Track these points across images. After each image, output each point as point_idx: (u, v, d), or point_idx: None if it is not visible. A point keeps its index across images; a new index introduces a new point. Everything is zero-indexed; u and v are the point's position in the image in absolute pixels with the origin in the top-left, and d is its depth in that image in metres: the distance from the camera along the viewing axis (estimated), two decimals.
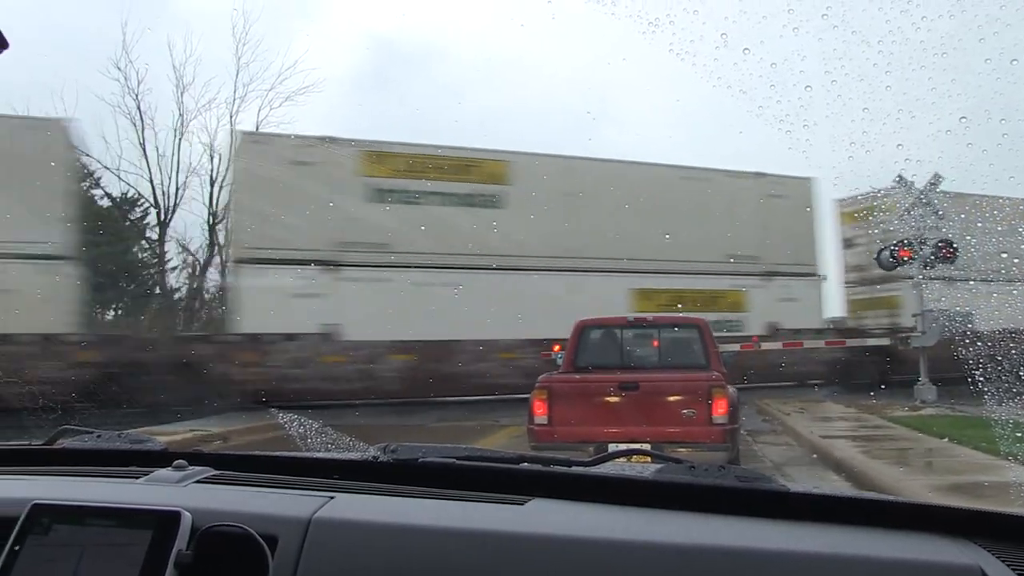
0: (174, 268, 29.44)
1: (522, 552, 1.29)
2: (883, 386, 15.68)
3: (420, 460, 1.64)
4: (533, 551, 1.29)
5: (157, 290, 29.19)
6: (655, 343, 8.98)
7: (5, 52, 0.73)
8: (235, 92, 29.87)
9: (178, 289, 29.54)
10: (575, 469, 1.65)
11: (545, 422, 7.62)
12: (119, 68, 28.76)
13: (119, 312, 28.88)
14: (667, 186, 20.30)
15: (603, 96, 42.66)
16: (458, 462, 1.63)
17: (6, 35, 0.73)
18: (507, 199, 19.06)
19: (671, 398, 7.69)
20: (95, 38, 36.45)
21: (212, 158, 28.74)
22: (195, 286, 29.16)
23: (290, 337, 17.08)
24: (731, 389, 7.77)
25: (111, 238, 26.57)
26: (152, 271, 29.89)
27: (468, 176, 18.99)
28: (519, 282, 18.09)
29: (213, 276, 29.12)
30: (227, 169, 19.85)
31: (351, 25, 45.98)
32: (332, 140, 18.23)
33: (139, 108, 28.35)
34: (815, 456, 10.16)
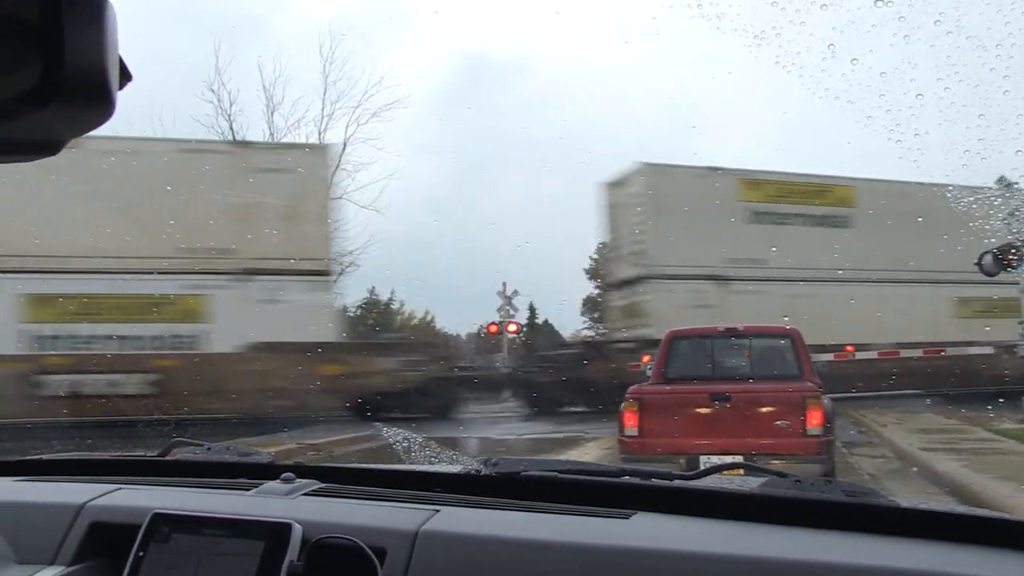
0: None
1: (630, 567, 1.29)
2: (1001, 400, 14.98)
3: (522, 473, 1.64)
4: (641, 566, 1.28)
5: None
6: (746, 353, 8.83)
7: (128, 85, 0.78)
8: (323, 110, 30.42)
9: None
10: (677, 483, 1.64)
11: (636, 434, 7.57)
12: (212, 91, 29.51)
13: None
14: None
15: (707, 109, 42.19)
16: (560, 475, 1.64)
17: (130, 68, 0.78)
18: None
19: (764, 409, 7.55)
20: (190, 63, 37.84)
21: None
22: None
23: None
24: (826, 400, 7.59)
25: None
26: None
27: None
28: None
29: None
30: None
31: (438, 41, 46.65)
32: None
33: (232, 128, 29.11)
34: (915, 469, 9.81)
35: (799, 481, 1.53)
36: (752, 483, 1.66)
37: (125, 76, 0.76)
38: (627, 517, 1.44)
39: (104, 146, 15.12)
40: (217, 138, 26.99)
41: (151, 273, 15.88)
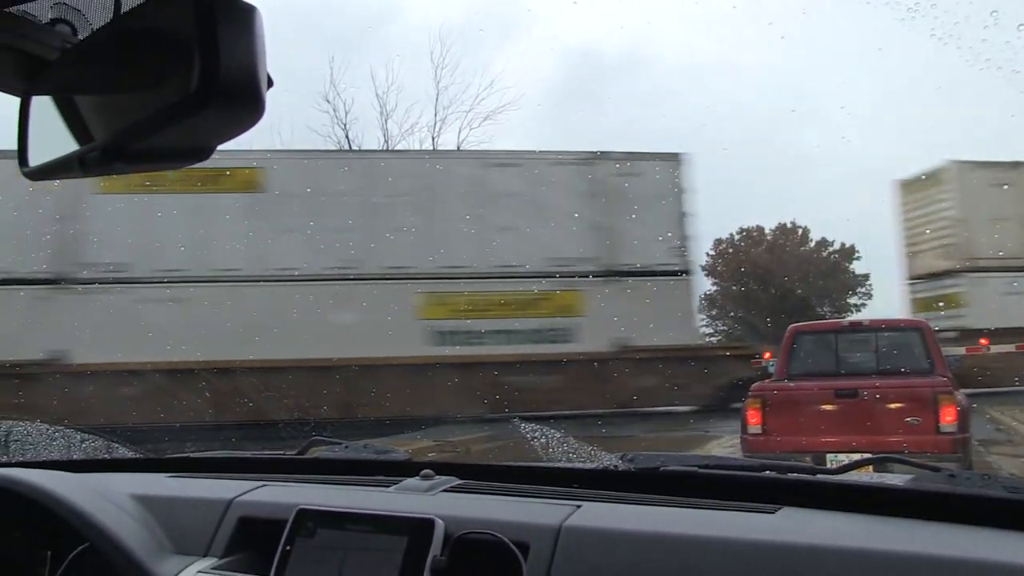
0: None
1: (780, 561, 1.26)
2: None
3: (661, 468, 1.63)
4: (792, 560, 1.25)
5: None
6: (872, 348, 8.54)
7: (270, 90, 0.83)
8: (435, 115, 30.93)
9: None
10: (821, 477, 1.60)
11: (759, 432, 7.42)
12: (328, 100, 30.42)
13: None
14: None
15: (856, 89, 40.32)
16: (700, 470, 1.62)
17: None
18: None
19: (893, 405, 7.27)
20: (306, 75, 38.94)
21: None
22: None
23: None
24: (960, 395, 7.27)
25: None
26: None
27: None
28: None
29: None
30: None
31: (547, 41, 46.31)
32: None
33: (347, 137, 29.85)
34: None
35: (953, 476, 1.46)
36: (892, 478, 1.61)
37: (268, 82, 0.82)
38: (773, 512, 1.41)
39: None
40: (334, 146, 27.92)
41: None
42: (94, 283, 16.20)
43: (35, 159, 0.97)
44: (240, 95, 0.76)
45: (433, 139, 29.66)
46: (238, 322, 15.47)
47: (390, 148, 28.78)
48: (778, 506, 1.44)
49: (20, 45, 0.95)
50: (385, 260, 16.76)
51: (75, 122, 0.94)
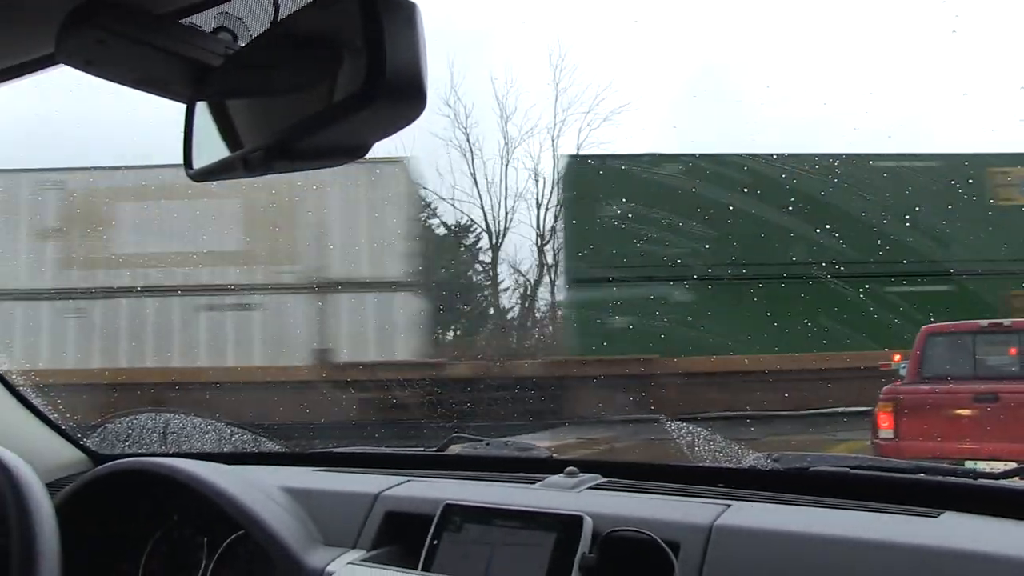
0: (505, 289, 31.05)
1: (949, 568, 1.20)
2: None
3: (811, 469, 1.59)
4: (962, 568, 1.19)
5: (491, 311, 30.98)
6: (1013, 351, 8.09)
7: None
8: (555, 117, 30.90)
9: (510, 309, 31.06)
10: (983, 482, 1.51)
11: (891, 436, 7.14)
12: (449, 105, 30.74)
13: (457, 333, 31.00)
14: None
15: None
16: (853, 471, 1.56)
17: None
18: None
19: None
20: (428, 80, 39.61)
21: (537, 182, 30.03)
22: (527, 306, 30.58)
23: None
24: None
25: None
26: (487, 293, 31.77)
27: None
28: None
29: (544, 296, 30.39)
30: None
31: (665, 39, 45.43)
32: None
33: (468, 140, 30.19)
34: None
35: None
36: None
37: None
38: (936, 516, 1.35)
39: None
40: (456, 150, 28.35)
41: None
42: None
43: (199, 161, 1.01)
44: (406, 90, 0.77)
45: (553, 141, 29.71)
46: None
47: (510, 150, 29.01)
48: (940, 510, 1.38)
49: (187, 53, 1.00)
50: None
51: (236, 124, 0.98)
